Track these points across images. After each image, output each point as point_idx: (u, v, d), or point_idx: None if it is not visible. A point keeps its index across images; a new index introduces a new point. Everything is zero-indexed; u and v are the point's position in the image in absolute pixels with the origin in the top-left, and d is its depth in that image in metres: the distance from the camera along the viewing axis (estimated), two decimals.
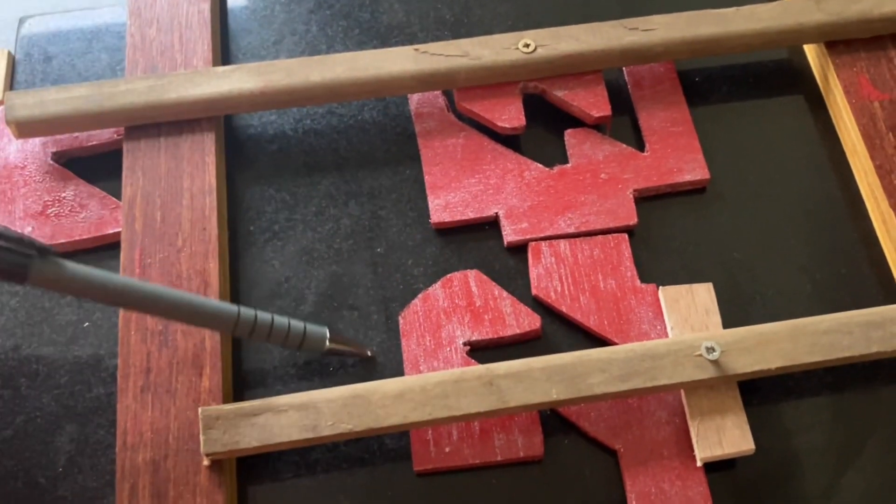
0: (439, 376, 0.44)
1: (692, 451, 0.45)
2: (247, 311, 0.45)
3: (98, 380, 0.50)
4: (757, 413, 0.46)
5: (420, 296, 0.50)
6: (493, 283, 0.50)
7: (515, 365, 0.45)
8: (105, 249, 0.54)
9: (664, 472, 0.45)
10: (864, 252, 0.53)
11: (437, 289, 0.51)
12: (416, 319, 0.50)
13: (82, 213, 0.54)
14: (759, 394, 0.47)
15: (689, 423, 0.45)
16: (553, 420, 0.47)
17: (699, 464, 0.45)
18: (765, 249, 0.52)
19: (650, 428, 0.46)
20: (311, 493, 0.46)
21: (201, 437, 0.44)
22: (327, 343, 0.47)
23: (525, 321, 0.49)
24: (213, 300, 0.46)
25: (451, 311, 0.50)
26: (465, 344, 0.49)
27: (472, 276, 0.51)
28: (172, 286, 0.49)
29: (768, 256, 0.52)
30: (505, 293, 0.50)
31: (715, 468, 0.45)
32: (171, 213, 0.52)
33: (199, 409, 0.44)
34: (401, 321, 0.50)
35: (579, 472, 0.46)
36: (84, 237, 0.53)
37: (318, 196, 0.55)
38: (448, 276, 0.51)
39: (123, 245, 0.51)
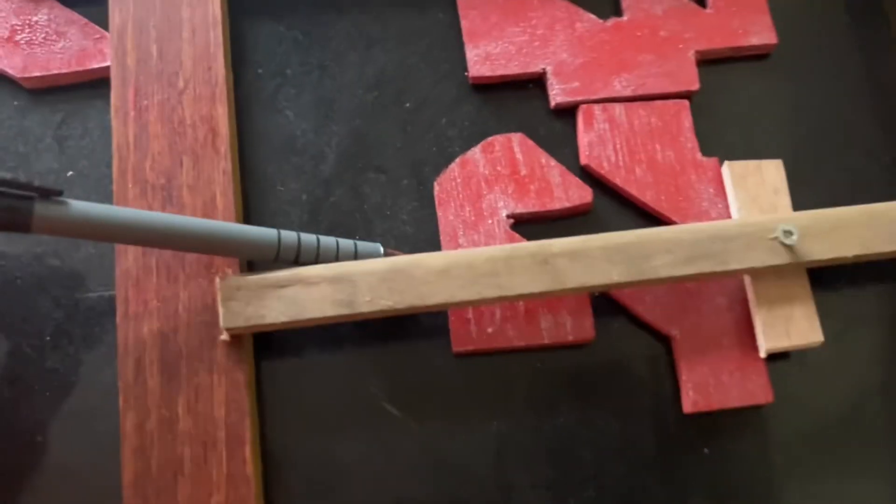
0: (488, 252, 0.39)
1: (753, 340, 0.42)
2: (288, 236, 0.39)
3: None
4: (821, 301, 0.43)
5: (458, 160, 0.45)
6: (540, 150, 0.45)
7: (572, 242, 0.40)
8: (87, 87, 0.46)
9: (723, 361, 0.42)
10: None
11: (476, 153, 0.45)
12: (454, 187, 0.44)
13: (59, 41, 0.46)
14: (823, 281, 0.44)
15: (755, 311, 0.42)
16: (601, 301, 0.43)
17: (763, 355, 0.42)
18: (830, 127, 0.48)
19: (709, 314, 0.43)
20: (335, 373, 0.42)
21: (220, 309, 0.38)
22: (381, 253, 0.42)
23: (575, 193, 0.44)
24: (249, 227, 0.39)
25: (492, 178, 0.44)
26: (508, 216, 0.44)
27: (517, 140, 0.45)
28: (174, 134, 0.42)
29: (833, 134, 0.48)
30: (553, 161, 0.45)
31: (775, 358, 0.43)
32: (170, 47, 0.44)
33: (217, 278, 0.39)
34: (436, 188, 0.44)
35: (629, 357, 0.43)
36: (63, 71, 0.45)
37: (337, 37, 0.48)
38: (489, 139, 0.45)
39: (114, 83, 0.43)
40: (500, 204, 0.44)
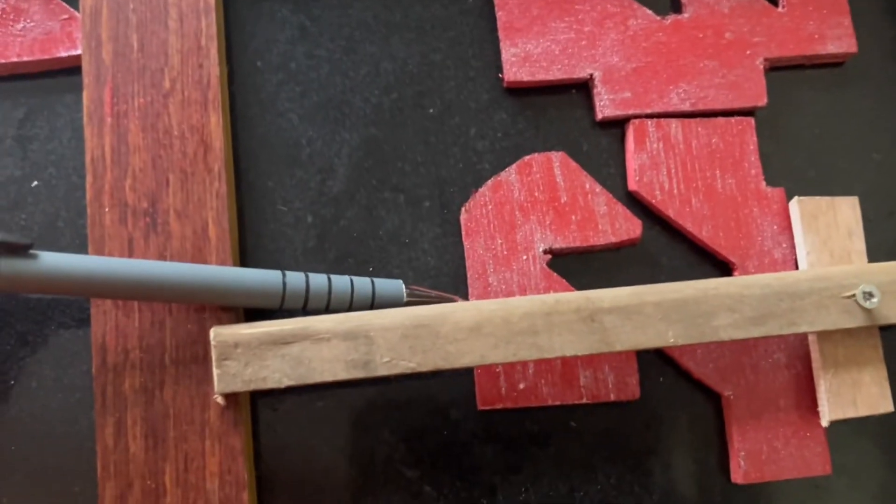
0: (526, 305, 0.34)
1: (814, 402, 0.38)
2: (295, 281, 0.33)
3: None
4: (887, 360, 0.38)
5: (489, 183, 0.39)
6: (584, 173, 0.39)
7: (622, 296, 0.34)
8: (55, 76, 0.39)
9: (779, 427, 0.38)
10: None
11: (511, 175, 0.39)
12: (484, 215, 0.38)
13: (19, 22, 0.38)
14: (890, 337, 0.40)
15: (819, 375, 0.37)
16: (645, 353, 0.39)
17: (825, 424, 0.37)
18: None
19: (766, 372, 0.38)
20: (344, 429, 0.37)
21: (214, 372, 0.33)
22: (404, 300, 0.36)
23: (622, 227, 0.39)
24: (249, 272, 0.33)
25: (528, 206, 0.39)
26: (545, 252, 0.38)
27: (558, 160, 0.39)
28: (159, 146, 0.36)
29: None
30: (598, 187, 0.39)
31: (835, 424, 0.38)
32: (154, 38, 0.37)
33: (212, 332, 0.33)
34: (463, 215, 0.38)
35: (673, 418, 0.38)
36: (24, 59, 0.38)
37: (350, 25, 0.41)
38: (526, 158, 0.39)
39: (86, 79, 0.36)
40: (537, 237, 0.38)
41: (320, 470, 0.37)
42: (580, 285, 0.38)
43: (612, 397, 0.37)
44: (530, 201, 0.39)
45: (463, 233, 0.38)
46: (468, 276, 0.38)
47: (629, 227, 0.39)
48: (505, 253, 0.38)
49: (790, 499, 0.38)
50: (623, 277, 0.39)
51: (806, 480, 0.38)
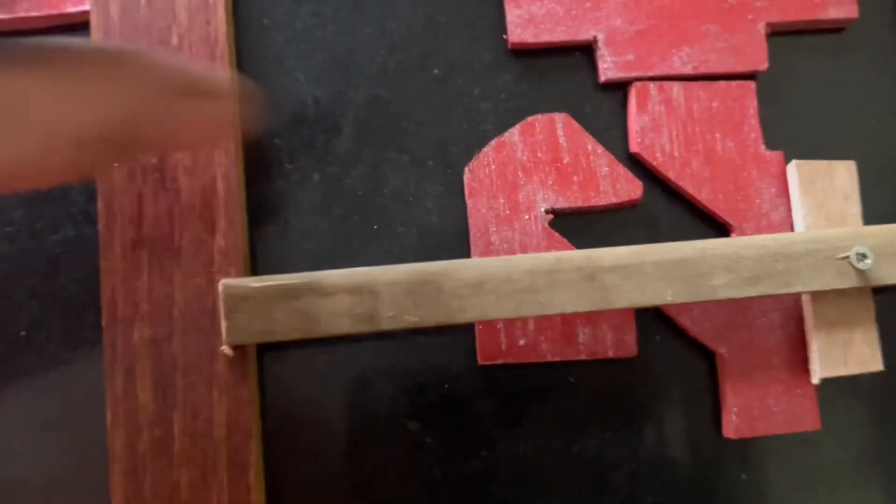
0: (529, 263, 0.35)
1: (805, 361, 0.39)
2: None
3: (67, 218, 0.38)
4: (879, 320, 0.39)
5: (493, 143, 0.39)
6: (587, 134, 0.39)
7: (623, 255, 0.35)
8: (60, 32, 0.39)
9: (771, 384, 0.39)
10: None
11: (514, 135, 0.39)
12: (487, 175, 0.39)
13: None
14: (883, 297, 0.40)
15: (811, 334, 0.38)
16: (643, 311, 0.39)
17: (815, 381, 0.38)
18: None
19: (760, 331, 0.39)
20: (349, 384, 0.38)
21: (223, 323, 0.33)
22: None
23: (623, 188, 0.39)
24: None
25: (531, 166, 0.39)
26: (547, 211, 0.39)
27: (560, 121, 0.40)
28: None
29: None
30: (600, 148, 0.39)
31: (826, 383, 0.39)
32: None
33: (221, 284, 0.34)
34: (467, 175, 0.39)
35: (670, 375, 0.39)
36: (32, 14, 0.38)
37: None
38: (529, 119, 0.39)
39: (94, 36, 0.37)
40: (539, 197, 0.39)
41: (325, 422, 0.38)
42: (581, 245, 0.38)
43: (611, 354, 0.38)
44: (533, 161, 0.39)
45: (466, 192, 0.39)
46: (471, 234, 0.38)
47: (630, 188, 0.39)
48: (507, 212, 0.39)
49: (779, 454, 0.39)
50: (623, 238, 0.39)
51: (795, 436, 0.39)
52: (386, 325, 0.34)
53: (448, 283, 0.34)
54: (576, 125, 0.39)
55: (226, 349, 0.34)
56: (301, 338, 0.34)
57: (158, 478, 0.34)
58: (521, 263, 0.35)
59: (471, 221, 0.39)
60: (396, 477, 0.38)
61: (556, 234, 0.39)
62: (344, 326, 0.34)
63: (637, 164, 0.40)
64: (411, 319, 0.34)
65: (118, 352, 0.35)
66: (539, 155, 0.39)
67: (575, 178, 0.39)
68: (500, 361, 0.38)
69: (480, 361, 0.38)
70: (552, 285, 0.35)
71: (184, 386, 0.35)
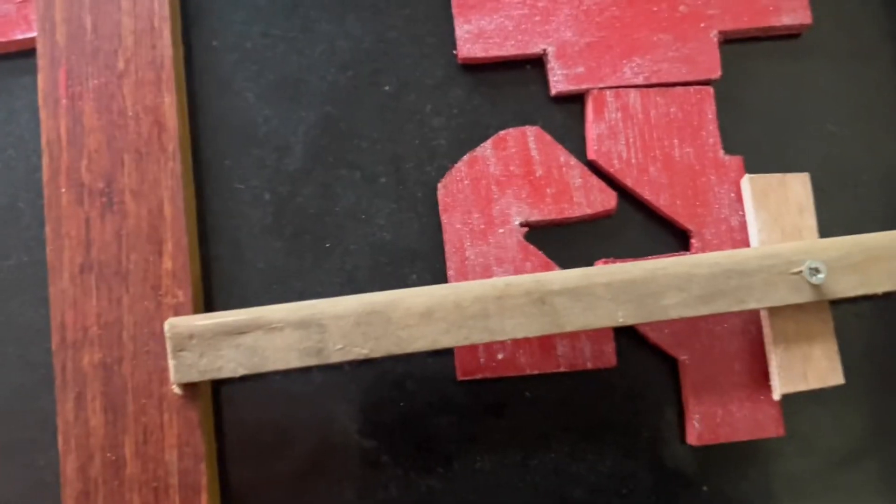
0: (478, 289, 0.35)
1: (767, 368, 0.38)
2: None
3: (17, 242, 0.38)
4: (840, 329, 0.39)
5: (465, 158, 0.39)
6: (559, 146, 0.39)
7: (572, 278, 0.35)
8: (9, 58, 0.39)
9: (733, 389, 0.38)
10: None
11: (486, 150, 0.39)
12: (461, 189, 0.39)
13: None
14: (842, 308, 0.40)
15: (770, 349, 0.38)
16: None
17: (776, 398, 0.38)
18: (866, 125, 0.42)
19: (721, 337, 0.39)
20: (303, 401, 0.38)
21: (170, 363, 0.33)
22: None
23: (597, 198, 0.39)
24: None
25: (504, 180, 0.39)
26: (521, 224, 0.39)
27: (532, 134, 0.39)
28: (114, 127, 0.36)
29: (870, 135, 0.42)
30: (573, 159, 0.39)
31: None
32: (107, 19, 0.37)
33: (166, 324, 0.34)
34: (440, 191, 0.39)
35: (631, 383, 0.39)
36: None
37: (305, 3, 0.41)
38: (501, 133, 0.39)
39: (41, 62, 0.37)
40: (513, 210, 0.39)
41: (280, 441, 0.38)
42: (557, 257, 0.38)
43: (589, 365, 0.38)
44: (506, 175, 0.39)
45: (440, 208, 0.39)
46: (446, 250, 0.38)
47: (604, 198, 0.39)
48: (482, 227, 0.39)
49: (741, 461, 0.39)
50: (600, 248, 0.40)
51: (757, 443, 0.39)
52: (336, 358, 0.34)
53: (396, 314, 0.34)
54: (548, 138, 0.39)
55: (175, 388, 0.34)
56: (248, 373, 0.34)
57: (111, 502, 0.34)
58: (469, 290, 0.35)
59: (445, 237, 0.39)
60: (354, 496, 0.38)
61: (532, 247, 0.39)
62: (292, 361, 0.34)
63: (596, 173, 0.40)
64: (361, 351, 0.34)
65: (68, 376, 0.35)
66: (512, 168, 0.39)
67: (548, 190, 0.39)
68: (479, 376, 0.38)
69: (460, 377, 0.38)
70: (502, 311, 0.35)
71: (134, 409, 0.35)
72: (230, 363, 0.33)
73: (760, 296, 0.36)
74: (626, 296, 0.35)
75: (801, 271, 0.36)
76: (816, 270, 0.35)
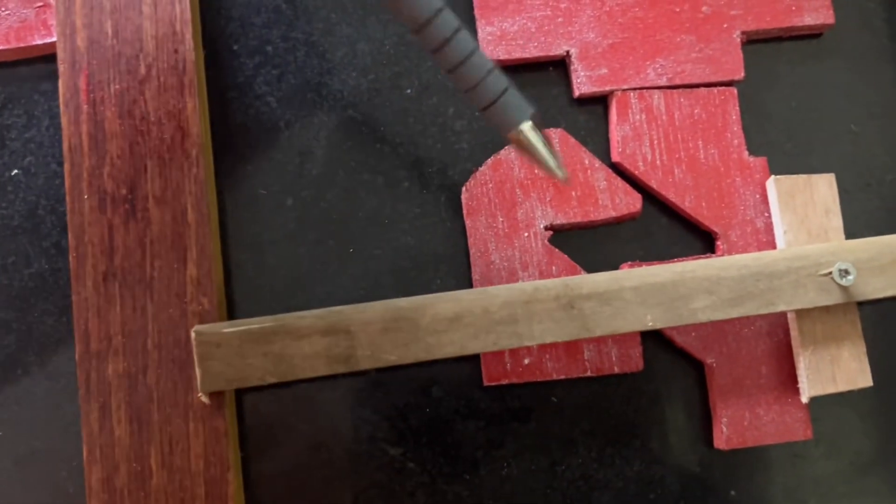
0: (505, 294, 0.34)
1: (795, 370, 0.38)
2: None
3: (38, 249, 0.38)
4: (868, 332, 0.39)
5: (489, 162, 0.39)
6: (583, 148, 0.39)
7: (601, 282, 0.35)
8: (31, 65, 0.39)
9: (760, 393, 0.38)
10: None
11: (510, 152, 0.39)
12: (485, 193, 0.39)
13: None
14: (870, 309, 0.40)
15: (798, 351, 0.37)
16: None
17: (805, 400, 0.37)
18: (890, 125, 0.42)
19: (748, 340, 0.38)
20: (327, 409, 0.37)
21: (197, 371, 0.33)
22: (526, 123, 0.31)
23: (622, 201, 0.39)
24: None
25: (528, 183, 0.39)
26: (546, 228, 0.38)
27: (557, 137, 0.39)
28: (136, 133, 0.36)
29: (894, 134, 0.42)
30: (598, 162, 0.39)
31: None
32: (128, 24, 0.37)
33: (193, 332, 0.33)
34: (464, 195, 0.39)
35: (658, 387, 0.39)
36: (0, 47, 0.38)
37: (326, 6, 0.41)
38: None
39: (61, 67, 0.36)
40: (538, 213, 0.38)
41: (305, 448, 0.37)
42: (583, 261, 0.38)
43: (616, 369, 0.38)
44: (530, 178, 0.39)
45: (464, 212, 0.38)
46: (470, 254, 0.38)
47: (629, 200, 0.39)
48: (506, 231, 0.38)
49: (769, 465, 0.39)
50: (625, 251, 0.39)
51: (785, 447, 0.39)
52: (364, 365, 0.33)
53: (425, 319, 0.34)
54: (572, 140, 0.39)
55: (202, 397, 0.34)
56: (276, 381, 0.33)
57: None
58: (497, 295, 0.34)
59: (470, 241, 0.38)
60: (381, 503, 0.37)
61: (557, 251, 0.38)
62: (320, 368, 0.33)
63: (619, 174, 0.40)
64: (389, 358, 0.34)
65: (93, 386, 0.34)
66: (536, 171, 0.39)
67: (573, 193, 0.39)
68: (505, 382, 0.38)
69: (486, 383, 0.37)
70: (530, 316, 0.34)
71: (160, 419, 0.34)
72: (258, 371, 0.33)
73: (789, 298, 0.35)
74: (654, 299, 0.35)
75: (830, 273, 0.35)
76: (846, 272, 0.35)
